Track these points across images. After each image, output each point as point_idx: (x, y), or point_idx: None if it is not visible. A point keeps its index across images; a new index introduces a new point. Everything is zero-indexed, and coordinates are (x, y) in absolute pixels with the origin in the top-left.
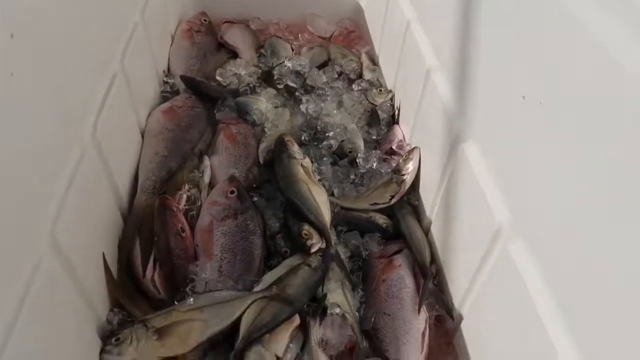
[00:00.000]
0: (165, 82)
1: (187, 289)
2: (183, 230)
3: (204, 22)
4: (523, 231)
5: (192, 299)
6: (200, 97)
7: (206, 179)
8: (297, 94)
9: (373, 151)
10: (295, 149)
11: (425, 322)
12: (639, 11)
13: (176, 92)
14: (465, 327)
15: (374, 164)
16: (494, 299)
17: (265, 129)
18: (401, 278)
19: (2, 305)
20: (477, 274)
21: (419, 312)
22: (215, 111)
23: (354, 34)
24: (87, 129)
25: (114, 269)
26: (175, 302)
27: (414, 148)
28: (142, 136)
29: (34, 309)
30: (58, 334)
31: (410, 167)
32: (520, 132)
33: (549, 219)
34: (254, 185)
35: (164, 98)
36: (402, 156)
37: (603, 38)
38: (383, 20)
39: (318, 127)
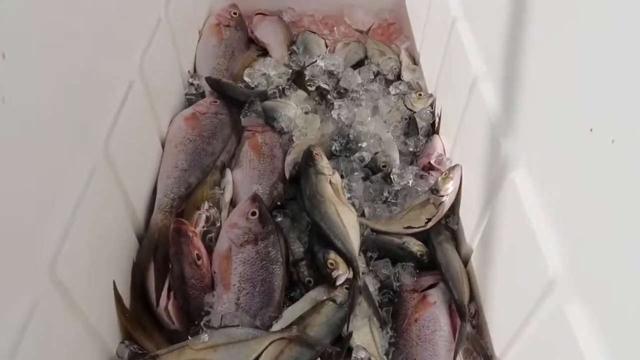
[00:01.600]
0: (191, 84)
1: (202, 323)
2: (199, 258)
3: (233, 15)
4: (583, 291)
5: (206, 335)
6: (226, 101)
7: (227, 196)
8: (329, 97)
9: (409, 166)
10: (323, 163)
11: None
12: None
13: (202, 94)
14: None
15: (410, 181)
16: (543, 356)
17: (294, 138)
18: (435, 319)
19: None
20: (525, 325)
21: None
22: (241, 116)
23: (393, 27)
24: (99, 142)
25: (126, 295)
26: (189, 337)
27: (455, 166)
28: (163, 145)
29: (32, 343)
30: None
31: (450, 187)
32: (584, 169)
33: (619, 281)
34: (279, 203)
35: (188, 101)
36: (442, 173)
37: None
38: (426, 13)
39: (350, 136)
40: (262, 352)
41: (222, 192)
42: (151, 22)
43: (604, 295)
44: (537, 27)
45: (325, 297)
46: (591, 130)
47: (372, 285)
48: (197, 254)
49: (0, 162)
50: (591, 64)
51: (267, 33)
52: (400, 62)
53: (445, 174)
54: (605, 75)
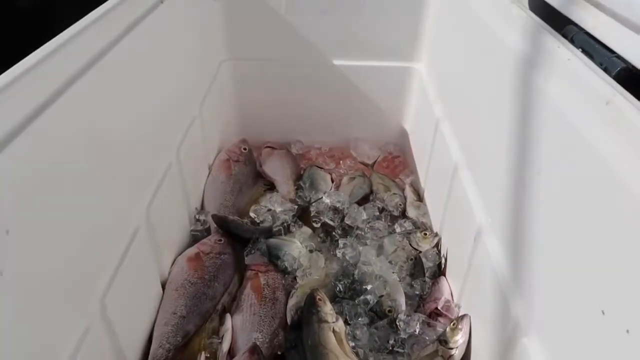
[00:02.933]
0: (197, 220)
1: None
2: None
3: (243, 150)
4: None
5: None
6: (231, 238)
7: (225, 346)
8: (334, 234)
9: (415, 313)
10: (327, 309)
11: None
12: None
13: (207, 230)
14: None
15: (417, 329)
16: None
17: (297, 278)
18: None
19: None
20: None
21: None
22: (245, 254)
23: (398, 160)
24: (95, 299)
25: None
26: None
27: (463, 316)
28: (163, 286)
29: None
30: None
31: (459, 339)
32: (601, 353)
33: None
34: (279, 353)
35: (193, 237)
36: (451, 322)
37: None
38: (430, 148)
39: (355, 276)
40: None
41: (220, 341)
42: (162, 167)
43: None
44: (543, 191)
45: None
46: (603, 312)
47: None
48: None
49: None
50: (603, 241)
51: (275, 168)
52: (405, 198)
53: (454, 324)
54: (616, 259)
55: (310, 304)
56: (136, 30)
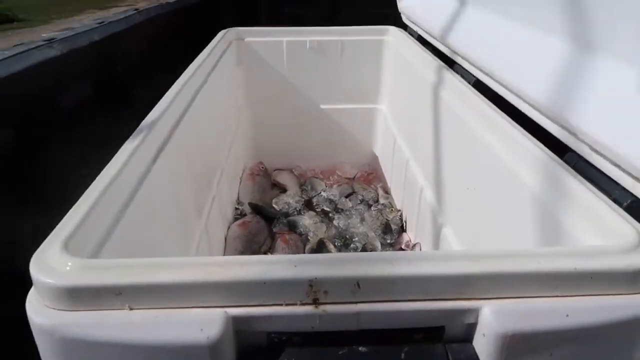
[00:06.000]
0: (237, 208)
1: None
2: None
3: (261, 168)
4: None
5: None
6: (262, 217)
7: None
8: (330, 214)
9: (388, 249)
10: (330, 247)
11: None
12: None
13: (243, 214)
14: None
15: None
16: None
17: (309, 238)
18: None
19: None
20: None
21: None
22: (272, 227)
23: (371, 175)
24: (202, 226)
25: None
26: None
27: (416, 244)
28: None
29: None
30: None
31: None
32: (474, 219)
33: None
34: None
35: (235, 218)
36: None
37: None
38: (392, 159)
39: (347, 236)
40: None
41: None
42: (217, 177)
43: None
44: (452, 167)
45: None
46: (470, 189)
47: None
48: None
49: None
50: (476, 181)
51: (285, 179)
52: (378, 193)
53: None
54: (479, 185)
55: (320, 244)
56: (201, 93)
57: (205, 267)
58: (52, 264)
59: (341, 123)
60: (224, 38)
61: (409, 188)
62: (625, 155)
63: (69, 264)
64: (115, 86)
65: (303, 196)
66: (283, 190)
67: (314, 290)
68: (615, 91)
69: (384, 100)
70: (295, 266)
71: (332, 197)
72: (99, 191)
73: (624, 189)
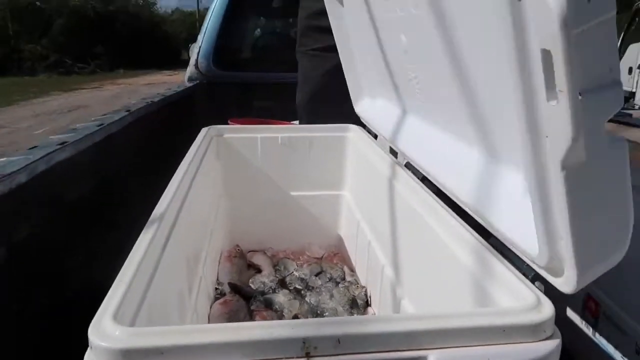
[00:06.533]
0: (217, 288)
1: None
2: None
3: (238, 250)
4: None
5: None
6: (240, 296)
7: None
8: (302, 292)
9: None
10: None
11: None
12: None
13: (222, 294)
14: None
15: None
16: None
17: (284, 314)
18: None
19: None
20: None
21: None
22: (250, 305)
23: (338, 255)
24: (200, 271)
25: None
26: None
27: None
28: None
29: None
30: None
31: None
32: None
33: None
34: None
35: (216, 297)
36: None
37: None
38: (355, 245)
39: (318, 312)
40: None
41: None
42: (202, 258)
43: None
44: (405, 245)
45: None
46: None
47: None
48: None
49: None
50: (413, 249)
51: (259, 260)
52: (344, 272)
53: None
54: (412, 249)
55: (295, 319)
56: (191, 191)
57: (223, 331)
58: (105, 331)
59: (309, 208)
60: (207, 135)
61: (371, 266)
62: (519, 242)
63: (117, 332)
64: (117, 182)
65: (277, 275)
66: (258, 270)
67: (306, 346)
68: (510, 193)
69: (348, 188)
70: (292, 328)
71: (303, 276)
72: (132, 272)
73: (528, 265)
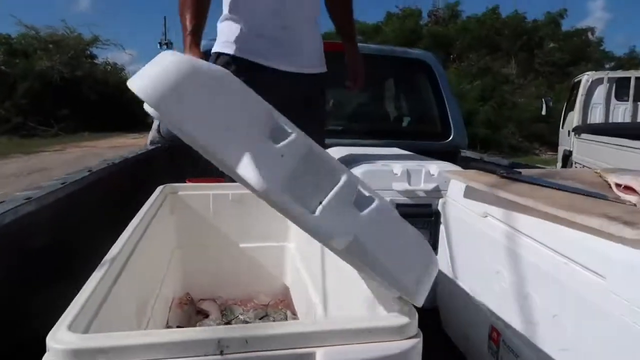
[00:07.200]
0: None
1: None
2: None
3: (188, 298)
4: None
5: None
6: None
7: None
8: None
9: None
10: None
11: None
12: None
13: None
14: None
15: None
16: None
17: None
18: None
19: None
20: None
21: None
22: None
23: (283, 302)
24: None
25: None
26: None
27: None
28: None
29: None
30: None
31: None
32: None
33: None
34: None
35: None
36: None
37: None
38: (298, 294)
39: None
40: None
41: None
42: (152, 303)
43: None
44: None
45: None
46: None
47: None
48: None
49: None
50: None
51: (208, 306)
52: (287, 316)
53: None
54: None
55: None
56: (142, 241)
57: (154, 335)
58: (61, 338)
59: (257, 258)
60: (162, 192)
61: (310, 306)
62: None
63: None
64: (81, 235)
65: (223, 320)
66: (206, 316)
67: (220, 345)
68: None
69: (292, 239)
70: (209, 332)
71: (247, 319)
72: (86, 296)
73: None
